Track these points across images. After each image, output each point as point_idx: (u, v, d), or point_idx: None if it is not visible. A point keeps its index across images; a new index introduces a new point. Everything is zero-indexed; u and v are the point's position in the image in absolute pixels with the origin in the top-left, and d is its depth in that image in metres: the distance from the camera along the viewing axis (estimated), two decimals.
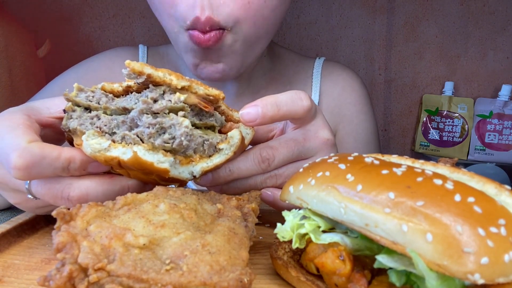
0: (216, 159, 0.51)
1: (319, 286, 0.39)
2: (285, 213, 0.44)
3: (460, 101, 1.47)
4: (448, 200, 0.32)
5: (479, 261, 0.30)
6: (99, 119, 0.48)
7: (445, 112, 1.48)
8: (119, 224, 0.37)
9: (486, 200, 0.33)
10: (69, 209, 0.39)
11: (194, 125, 0.49)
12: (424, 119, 1.50)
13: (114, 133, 0.47)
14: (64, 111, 0.50)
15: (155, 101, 0.47)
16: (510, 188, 0.37)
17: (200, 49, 0.72)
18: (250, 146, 0.56)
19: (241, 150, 0.54)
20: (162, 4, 0.73)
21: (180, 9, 0.70)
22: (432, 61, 1.47)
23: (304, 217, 0.43)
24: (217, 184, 0.55)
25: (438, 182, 0.34)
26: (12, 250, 0.49)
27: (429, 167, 0.41)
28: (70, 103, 0.50)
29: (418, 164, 0.42)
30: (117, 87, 0.51)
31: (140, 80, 0.47)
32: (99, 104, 0.49)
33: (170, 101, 0.47)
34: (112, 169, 0.49)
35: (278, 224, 0.43)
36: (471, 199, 0.33)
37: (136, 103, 0.48)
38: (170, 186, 0.48)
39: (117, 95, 0.51)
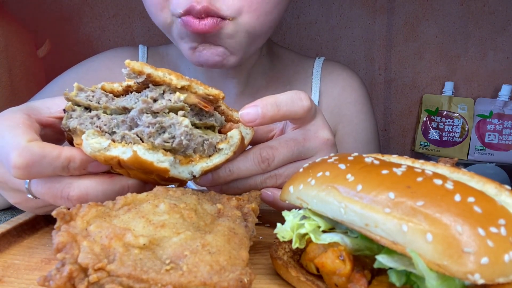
0: (216, 159, 0.51)
1: (319, 286, 0.39)
2: (285, 213, 0.44)
3: (460, 101, 1.47)
4: (448, 200, 0.32)
5: (479, 261, 0.30)
6: (99, 118, 0.48)
7: (445, 112, 1.48)
8: (119, 224, 0.37)
9: (486, 200, 0.33)
10: (69, 209, 0.39)
11: (194, 125, 0.49)
12: (424, 119, 1.50)
13: (114, 132, 0.47)
14: (64, 110, 0.50)
15: (155, 100, 0.47)
16: (510, 188, 0.37)
17: (197, 34, 0.68)
18: (250, 146, 0.56)
19: (241, 150, 0.54)
20: None
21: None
22: (432, 61, 1.47)
23: (304, 217, 0.43)
24: (217, 184, 0.55)
25: (438, 182, 0.34)
26: (12, 250, 0.49)
27: (429, 167, 0.41)
28: (70, 103, 0.50)
29: (418, 164, 0.42)
30: (117, 86, 0.51)
31: (140, 79, 0.47)
32: (99, 103, 0.49)
33: (170, 100, 0.47)
34: (112, 168, 0.49)
35: (278, 224, 0.43)
36: (471, 199, 0.33)
37: (136, 103, 0.48)
38: (170, 186, 0.48)
39: (117, 94, 0.51)
